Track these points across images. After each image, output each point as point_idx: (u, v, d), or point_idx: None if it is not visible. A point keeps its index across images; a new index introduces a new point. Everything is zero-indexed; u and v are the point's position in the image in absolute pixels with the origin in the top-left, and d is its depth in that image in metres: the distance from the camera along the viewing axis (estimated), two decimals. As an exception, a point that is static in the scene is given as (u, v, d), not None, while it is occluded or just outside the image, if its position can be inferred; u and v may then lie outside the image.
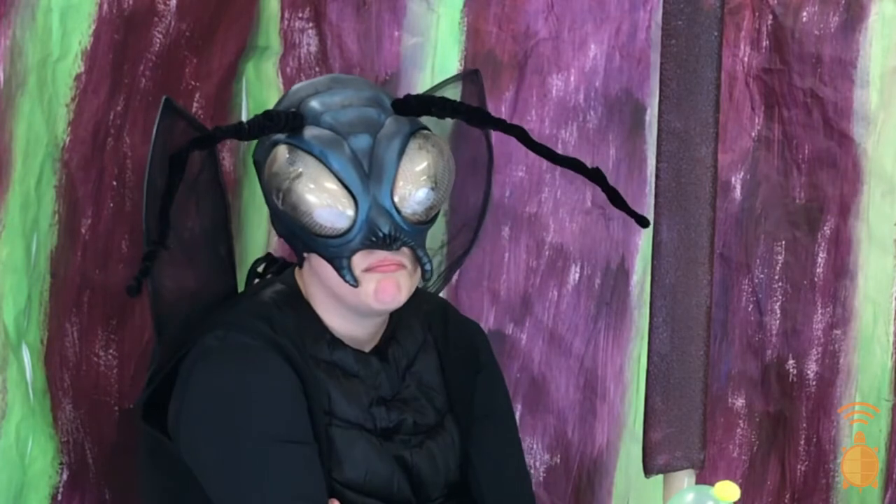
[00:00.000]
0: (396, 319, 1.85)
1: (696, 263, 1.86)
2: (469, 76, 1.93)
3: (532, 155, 2.29)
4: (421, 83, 2.31)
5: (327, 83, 1.77)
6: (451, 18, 2.36)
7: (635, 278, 2.43)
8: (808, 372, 2.44)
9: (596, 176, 1.76)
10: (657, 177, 1.87)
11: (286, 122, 1.70)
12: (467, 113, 1.76)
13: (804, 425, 2.44)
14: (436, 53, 2.35)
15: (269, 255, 1.94)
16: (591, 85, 2.40)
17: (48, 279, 2.04)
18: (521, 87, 2.38)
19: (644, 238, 2.41)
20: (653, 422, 1.87)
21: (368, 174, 1.69)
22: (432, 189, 1.74)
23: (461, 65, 2.36)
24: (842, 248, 2.42)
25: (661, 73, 1.87)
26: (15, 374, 1.99)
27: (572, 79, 2.39)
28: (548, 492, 2.44)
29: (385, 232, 1.69)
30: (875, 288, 2.42)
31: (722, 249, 2.42)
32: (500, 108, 2.36)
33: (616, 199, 1.77)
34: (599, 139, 2.41)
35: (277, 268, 1.89)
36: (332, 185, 1.69)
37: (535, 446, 2.44)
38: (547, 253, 2.42)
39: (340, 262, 1.71)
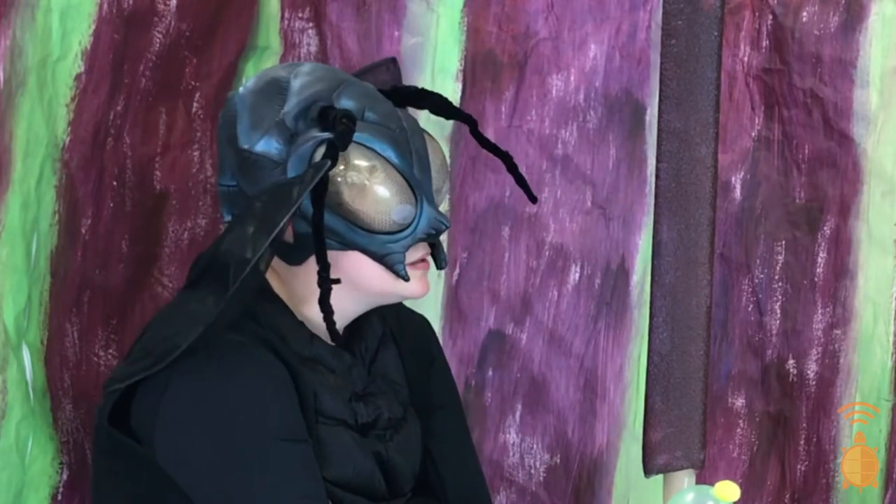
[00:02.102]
0: None
1: (696, 263, 1.86)
2: (387, 65, 1.91)
3: (532, 155, 2.29)
4: (421, 83, 2.30)
5: (330, 74, 1.74)
6: (451, 18, 2.36)
7: (635, 278, 2.43)
8: (808, 372, 2.44)
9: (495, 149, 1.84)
10: (657, 177, 1.87)
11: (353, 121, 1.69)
12: (437, 103, 1.80)
13: (804, 425, 2.44)
14: (436, 53, 2.35)
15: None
16: (591, 85, 2.39)
17: (48, 279, 2.04)
18: (521, 87, 2.38)
19: (644, 238, 2.41)
20: (653, 422, 1.87)
21: (412, 166, 1.70)
22: (449, 181, 1.76)
23: (461, 65, 2.36)
24: (842, 248, 2.42)
25: (661, 73, 1.86)
26: (15, 374, 1.99)
27: (572, 79, 2.39)
28: (548, 492, 2.44)
29: (447, 224, 1.71)
30: (875, 288, 2.41)
31: (722, 249, 2.41)
32: (500, 108, 2.36)
33: (514, 171, 1.85)
34: (599, 139, 2.40)
35: None
36: (400, 179, 1.69)
37: (535, 446, 2.44)
38: (547, 253, 2.42)
39: (395, 258, 1.70)
